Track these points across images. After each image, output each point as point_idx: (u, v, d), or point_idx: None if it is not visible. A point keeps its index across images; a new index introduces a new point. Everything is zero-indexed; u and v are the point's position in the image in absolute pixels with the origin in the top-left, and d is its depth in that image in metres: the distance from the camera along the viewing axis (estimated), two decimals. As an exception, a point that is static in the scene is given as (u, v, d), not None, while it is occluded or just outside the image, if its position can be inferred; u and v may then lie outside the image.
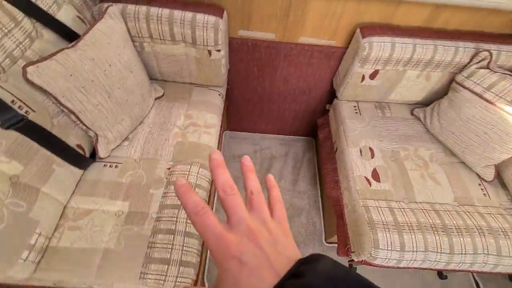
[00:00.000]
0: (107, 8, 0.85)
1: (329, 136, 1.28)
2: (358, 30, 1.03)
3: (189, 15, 0.92)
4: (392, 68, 1.04)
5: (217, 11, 0.95)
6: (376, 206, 0.93)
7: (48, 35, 0.80)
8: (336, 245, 1.18)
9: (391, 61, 1.01)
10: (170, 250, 0.79)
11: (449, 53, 0.99)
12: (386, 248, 0.84)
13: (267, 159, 1.63)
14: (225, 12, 0.98)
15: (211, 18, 0.93)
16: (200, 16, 0.93)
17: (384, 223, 0.88)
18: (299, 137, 1.74)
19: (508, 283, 1.31)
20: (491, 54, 0.96)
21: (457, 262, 0.85)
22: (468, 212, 0.93)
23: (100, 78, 0.81)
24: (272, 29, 1.09)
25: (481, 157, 0.99)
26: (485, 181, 1.02)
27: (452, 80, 1.08)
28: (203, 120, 1.09)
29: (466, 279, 1.30)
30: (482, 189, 1.00)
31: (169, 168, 0.96)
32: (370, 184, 0.98)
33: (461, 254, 0.84)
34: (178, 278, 0.76)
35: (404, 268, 0.90)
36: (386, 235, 0.85)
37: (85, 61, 0.76)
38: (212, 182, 1.04)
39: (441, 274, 1.19)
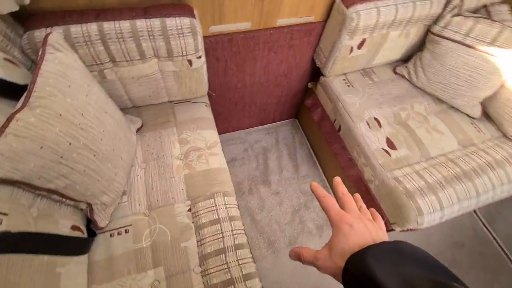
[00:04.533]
0: (46, 37, 0.60)
1: (325, 115, 1.25)
2: (338, 1, 0.96)
3: (156, 22, 0.73)
4: (379, 33, 1.02)
5: (186, 10, 0.77)
6: (404, 175, 0.94)
7: (-28, 98, 0.54)
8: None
9: (378, 26, 0.98)
10: (236, 302, 0.69)
11: (426, 7, 0.99)
12: (429, 212, 0.87)
13: (260, 153, 1.55)
14: (195, 10, 0.80)
15: (185, 21, 0.75)
16: (170, 22, 0.74)
17: (419, 188, 0.90)
18: (282, 121, 1.68)
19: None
20: (462, 0, 1.00)
21: (483, 200, 0.94)
22: (473, 152, 1.02)
23: (78, 136, 0.59)
24: (247, 17, 0.95)
25: (469, 98, 1.07)
26: (475, 118, 1.12)
27: (426, 32, 1.11)
28: (202, 141, 0.94)
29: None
30: (475, 126, 1.10)
31: (189, 210, 0.82)
32: (389, 155, 0.99)
33: (485, 192, 0.93)
34: (259, 329, 0.67)
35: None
36: (425, 200, 0.88)
37: (52, 120, 0.54)
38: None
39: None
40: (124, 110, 0.95)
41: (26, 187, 0.53)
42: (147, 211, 0.80)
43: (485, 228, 1.42)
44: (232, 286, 0.70)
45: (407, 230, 0.95)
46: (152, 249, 0.74)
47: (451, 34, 1.01)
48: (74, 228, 0.66)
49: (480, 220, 1.44)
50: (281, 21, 1.01)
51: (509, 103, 1.02)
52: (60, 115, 0.57)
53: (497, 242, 1.38)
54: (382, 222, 0.35)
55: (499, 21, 0.97)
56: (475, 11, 1.08)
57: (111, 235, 0.75)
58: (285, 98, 1.46)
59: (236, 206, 0.87)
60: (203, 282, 0.72)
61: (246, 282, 0.72)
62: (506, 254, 1.35)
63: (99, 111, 0.67)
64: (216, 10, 0.89)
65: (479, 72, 1.00)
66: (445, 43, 1.03)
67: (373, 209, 0.37)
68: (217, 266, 0.73)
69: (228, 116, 1.43)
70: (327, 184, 1.47)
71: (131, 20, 0.71)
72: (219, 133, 1.56)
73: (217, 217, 0.80)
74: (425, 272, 0.25)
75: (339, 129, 1.16)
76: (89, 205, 0.69)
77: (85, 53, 0.71)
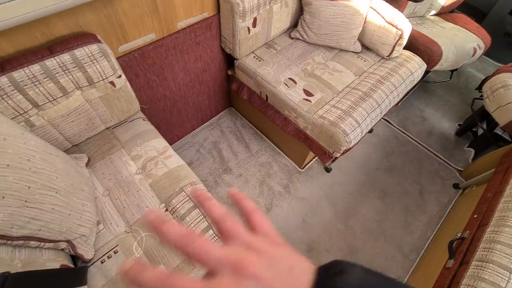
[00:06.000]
0: (-42, 103, 0.61)
1: (251, 92, 1.41)
2: (219, -7, 1.11)
3: (66, 57, 0.77)
4: (264, 10, 1.20)
5: (89, 38, 0.82)
6: (325, 111, 1.16)
7: None
8: (309, 165, 1.48)
9: (260, 4, 1.16)
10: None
11: (290, -22, 1.21)
12: (352, 130, 1.10)
13: (212, 148, 1.64)
14: (97, 35, 0.86)
15: (93, 47, 0.81)
16: (79, 52, 0.79)
17: (339, 117, 1.13)
18: (220, 113, 1.80)
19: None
20: (313, -33, 1.24)
21: (384, 107, 1.22)
22: (366, 77, 1.30)
23: (34, 179, 0.62)
24: (149, 29, 1.03)
25: (348, 39, 1.34)
26: (359, 52, 1.41)
27: (300, -2, 1.34)
28: (153, 150, 1.00)
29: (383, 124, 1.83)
30: (361, 58, 1.39)
31: (166, 209, 0.89)
32: (310, 101, 1.20)
33: (383, 101, 1.21)
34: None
35: (360, 140, 1.21)
36: (346, 123, 1.11)
37: (1, 172, 0.57)
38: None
39: (371, 131, 1.65)
40: (65, 151, 0.95)
41: (2, 239, 0.55)
42: (127, 228, 0.85)
43: (401, 133, 1.78)
44: (228, 249, 0.81)
45: (344, 152, 1.17)
46: (146, 255, 0.80)
47: (316, -6, 1.25)
48: (64, 266, 0.68)
49: (397, 128, 1.80)
50: (181, 24, 1.12)
51: (375, 33, 1.32)
52: (8, 165, 0.59)
53: (413, 139, 1.76)
54: (264, 222, 0.22)
55: (344, -25, 1.25)
56: (327, -28, 1.35)
57: (102, 262, 0.78)
58: (213, 91, 1.58)
59: (206, 190, 0.96)
60: (204, 259, 0.81)
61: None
62: (421, 145, 1.73)
63: (43, 154, 0.70)
64: (118, 30, 0.95)
65: (346, 16, 1.27)
66: (315, 2, 1.27)
67: (250, 212, 0.22)
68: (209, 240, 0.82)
69: (169, 126, 1.49)
70: (280, 151, 1.65)
71: (40, 62, 0.74)
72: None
73: (192, 204, 0.89)
74: None
75: (267, 98, 1.33)
76: (69, 242, 0.72)
77: (4, 106, 0.71)
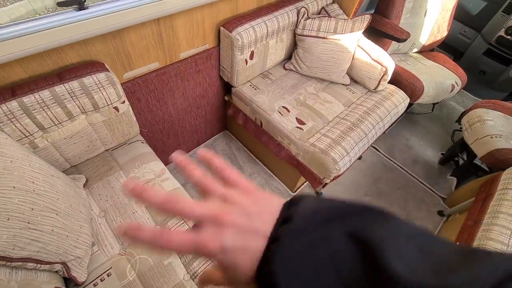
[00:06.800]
0: (-29, 126, 0.64)
1: (247, 118, 1.48)
2: (221, 28, 1.21)
3: (74, 84, 0.82)
4: (260, 44, 1.30)
5: (98, 66, 0.88)
6: (316, 139, 1.23)
7: None
8: (300, 189, 1.51)
9: (258, 39, 1.26)
10: (229, 283, 0.81)
11: (285, 18, 1.33)
12: (341, 158, 1.17)
13: (206, 170, 1.67)
14: (105, 64, 0.92)
15: (101, 75, 0.86)
16: (88, 80, 0.84)
17: (328, 145, 1.19)
18: (215, 136, 1.85)
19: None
20: (307, 9, 1.37)
21: (371, 137, 1.30)
22: (354, 108, 1.39)
23: (37, 201, 0.64)
24: (153, 58, 1.10)
25: (338, 72, 1.45)
26: (348, 85, 1.51)
27: (294, 34, 1.46)
28: (151, 172, 1.03)
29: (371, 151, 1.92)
30: (350, 90, 1.49)
31: (161, 232, 0.90)
32: (302, 129, 1.27)
33: (370, 131, 1.29)
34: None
35: (350, 166, 1.27)
36: (335, 151, 1.17)
37: (8, 194, 0.59)
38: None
39: (360, 157, 1.73)
40: (63, 172, 0.97)
41: (2, 261, 0.56)
42: (121, 250, 0.85)
43: (388, 160, 1.87)
44: (221, 273, 0.82)
45: (333, 179, 1.23)
46: (139, 278, 0.80)
47: (308, 32, 1.37)
48: (57, 289, 0.69)
49: (384, 155, 1.89)
50: (184, 54, 1.20)
51: (362, 68, 1.44)
52: (14, 187, 0.61)
53: (399, 166, 1.84)
54: (234, 175, 0.24)
55: (334, 16, 1.38)
56: (318, 12, 1.48)
57: (94, 285, 0.78)
58: (210, 116, 1.64)
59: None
60: (196, 284, 0.82)
61: (231, 265, 0.85)
62: (407, 171, 1.81)
63: (46, 176, 0.72)
64: (124, 59, 1.01)
65: (335, 52, 1.38)
66: (307, 39, 1.38)
67: (222, 169, 0.25)
68: (202, 264, 0.84)
69: (165, 147, 1.53)
70: (273, 175, 1.69)
71: (50, 88, 0.78)
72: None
73: (188, 226, 0.91)
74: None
75: (261, 125, 1.40)
76: (64, 264, 0.72)
77: (12, 129, 0.74)
